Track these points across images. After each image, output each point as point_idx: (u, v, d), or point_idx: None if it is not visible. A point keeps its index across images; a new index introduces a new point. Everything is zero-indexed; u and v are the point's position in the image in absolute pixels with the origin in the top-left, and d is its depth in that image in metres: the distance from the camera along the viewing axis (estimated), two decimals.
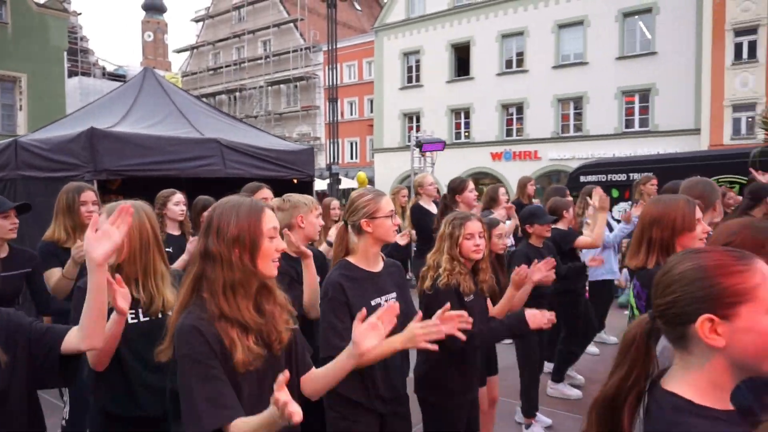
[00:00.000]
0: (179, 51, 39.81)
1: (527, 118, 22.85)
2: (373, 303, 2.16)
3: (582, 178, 10.26)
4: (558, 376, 4.78)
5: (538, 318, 2.49)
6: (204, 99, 31.55)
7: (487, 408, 3.37)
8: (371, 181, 26.40)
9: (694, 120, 19.01)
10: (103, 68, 37.35)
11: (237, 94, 33.96)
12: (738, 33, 18.04)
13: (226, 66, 34.70)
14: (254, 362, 1.49)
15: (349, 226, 2.24)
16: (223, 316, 1.49)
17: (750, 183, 4.54)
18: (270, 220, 1.57)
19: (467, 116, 24.66)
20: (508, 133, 23.61)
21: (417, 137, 9.02)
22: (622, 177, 9.78)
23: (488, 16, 23.63)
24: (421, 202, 5.27)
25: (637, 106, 20.52)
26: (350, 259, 2.23)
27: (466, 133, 24.76)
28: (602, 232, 4.71)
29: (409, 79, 26.47)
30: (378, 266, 2.29)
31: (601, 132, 20.89)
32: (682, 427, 0.98)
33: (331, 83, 17.31)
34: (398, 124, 26.43)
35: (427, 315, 2.55)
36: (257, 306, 1.58)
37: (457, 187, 5.01)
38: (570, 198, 5.36)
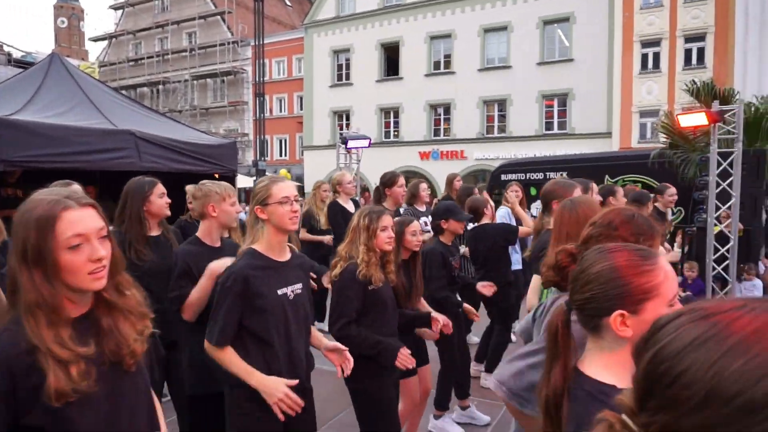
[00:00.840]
0: (96, 39, 37.57)
1: (454, 119, 23.48)
2: (279, 293, 2.16)
3: (503, 177, 10.72)
4: (492, 367, 4.73)
5: (406, 360, 2.61)
6: (124, 91, 30.05)
7: (419, 399, 3.40)
8: (300, 179, 26.16)
9: (606, 124, 20.28)
10: (9, 54, 34.58)
11: (160, 87, 32.50)
12: (644, 45, 19.44)
13: (148, 57, 33.11)
14: (88, 387, 1.24)
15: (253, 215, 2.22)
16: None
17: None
18: (71, 226, 1.24)
19: (396, 116, 24.99)
20: (436, 132, 24.16)
21: (341, 134, 9.04)
22: (540, 176, 10.27)
23: (417, 17, 24.04)
24: (339, 200, 5.31)
25: (556, 109, 21.62)
26: (256, 247, 2.19)
27: (395, 133, 25.09)
28: (527, 219, 5.05)
29: (339, 77, 26.45)
30: (284, 256, 2.26)
31: (523, 133, 21.83)
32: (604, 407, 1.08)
33: (258, 78, 16.95)
34: (328, 121, 26.36)
35: (336, 301, 2.66)
36: (87, 326, 1.32)
37: (387, 181, 5.11)
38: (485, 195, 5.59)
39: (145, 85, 33.07)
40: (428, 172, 23.79)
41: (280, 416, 2.05)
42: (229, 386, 2.18)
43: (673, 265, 7.85)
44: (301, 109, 28.57)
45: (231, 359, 2.10)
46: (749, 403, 0.49)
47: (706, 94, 7.78)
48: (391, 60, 25.23)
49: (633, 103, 19.58)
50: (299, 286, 2.27)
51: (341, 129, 25.12)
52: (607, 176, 9.38)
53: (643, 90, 19.43)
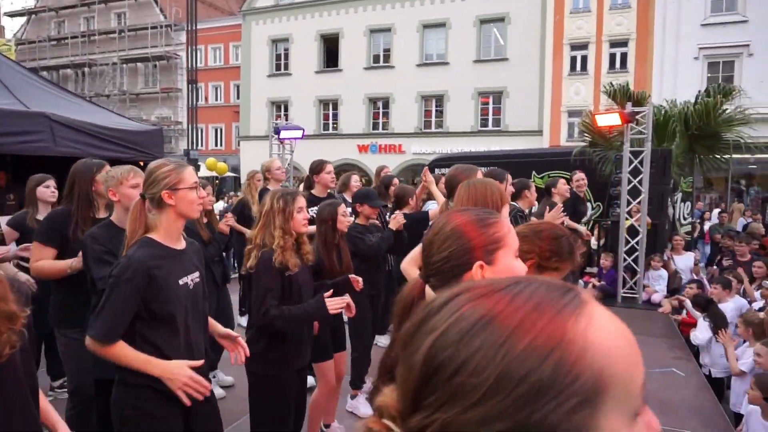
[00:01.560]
0: (13, 15, 34.98)
1: (393, 113, 23.67)
2: (180, 282, 2.09)
3: (436, 171, 10.97)
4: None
5: (336, 302, 2.67)
6: (45, 72, 28.19)
7: (334, 383, 3.47)
8: (236, 170, 25.58)
9: (537, 122, 21.09)
10: None
11: (86, 69, 30.72)
12: (573, 48, 20.34)
13: (72, 37, 31.17)
14: None
15: (147, 201, 2.07)
16: None
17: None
18: None
19: (335, 108, 24.89)
20: (375, 126, 24.27)
21: (275, 124, 8.94)
22: None
23: (357, 9, 23.99)
24: (270, 187, 5.31)
25: (491, 106, 22.25)
26: (152, 236, 2.07)
27: (334, 125, 25.00)
28: (440, 197, 5.20)
29: (278, 67, 26.01)
30: (181, 244, 2.17)
31: (459, 129, 22.33)
32: None
33: (191, 65, 16.40)
34: (265, 112, 25.86)
35: (256, 293, 2.64)
36: None
37: (315, 168, 5.18)
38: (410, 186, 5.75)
39: (69, 66, 31.15)
40: (366, 165, 23.87)
41: (186, 401, 1.98)
42: (122, 384, 2.02)
43: (590, 255, 8.34)
44: (238, 98, 27.88)
45: (123, 352, 1.96)
46: (537, 383, 0.44)
47: (622, 97, 8.30)
48: (330, 51, 25.06)
49: (562, 102, 20.47)
50: (197, 275, 2.19)
51: (278, 120, 24.80)
52: (533, 172, 9.81)
53: (571, 91, 20.35)
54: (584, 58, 20.29)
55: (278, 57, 26.05)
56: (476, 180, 2.61)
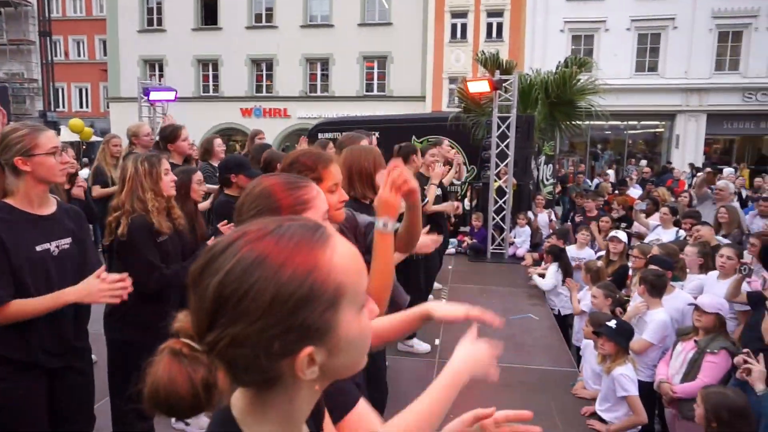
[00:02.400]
0: None
1: (277, 76, 22.96)
2: (38, 248, 2.01)
3: (320, 135, 10.90)
4: None
5: None
6: None
7: None
8: (105, 134, 23.49)
9: (420, 88, 21.63)
10: None
11: None
12: (454, 15, 20.95)
13: None
14: None
15: (5, 167, 1.99)
16: None
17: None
18: None
19: (215, 69, 23.59)
20: (258, 89, 23.42)
21: (142, 84, 8.32)
22: None
23: None
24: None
25: (376, 71, 22.38)
26: (9, 201, 2.00)
27: (215, 87, 23.73)
28: None
29: (150, 22, 23.95)
30: (48, 209, 2.09)
31: (345, 94, 22.25)
32: None
33: (44, 14, 14.59)
34: (137, 71, 23.81)
35: (125, 264, 2.51)
36: None
37: (169, 135, 4.83)
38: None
39: None
40: (250, 129, 23.11)
41: (116, 301, 2.02)
42: None
43: (463, 216, 8.86)
44: (105, 54, 25.38)
45: (22, 308, 1.93)
46: (300, 299, 0.64)
47: (492, 65, 8.77)
48: (208, 8, 23.53)
49: (444, 69, 21.13)
50: (67, 240, 2.12)
51: (152, 80, 23.01)
52: (413, 136, 10.12)
53: (452, 58, 21.04)
54: (464, 26, 21.01)
55: (150, 11, 23.96)
56: (353, 147, 2.75)
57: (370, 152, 2.59)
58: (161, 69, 23.86)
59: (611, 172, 15.51)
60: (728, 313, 3.75)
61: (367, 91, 22.47)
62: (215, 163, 5.11)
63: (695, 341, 3.50)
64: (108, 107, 25.17)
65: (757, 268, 4.39)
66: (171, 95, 8.36)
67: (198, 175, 3.28)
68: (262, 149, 5.49)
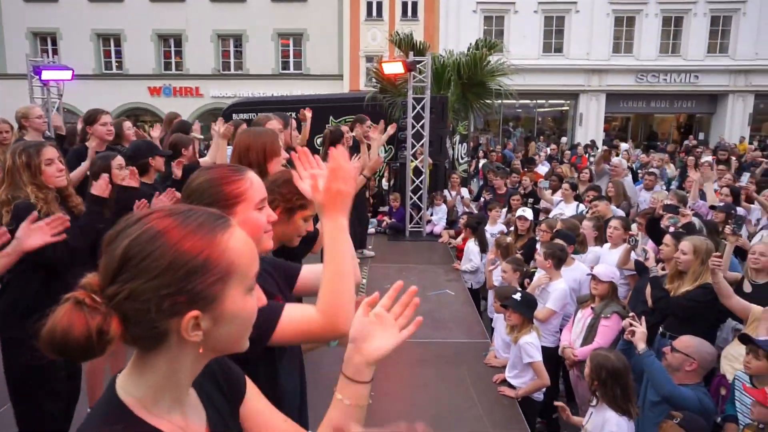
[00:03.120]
0: None
1: (186, 52, 21.82)
2: None
3: (234, 116, 10.55)
4: None
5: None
6: None
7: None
8: None
9: (338, 66, 21.42)
10: None
11: None
12: None
13: None
14: None
15: None
16: None
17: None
18: None
19: (118, 44, 22.01)
20: (167, 66, 22.16)
21: (33, 62, 7.63)
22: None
23: None
24: (28, 138, 4.63)
25: (291, 49, 21.86)
26: None
27: (118, 63, 22.17)
28: (222, 156, 5.10)
29: None
30: None
31: (260, 72, 21.58)
32: None
33: None
34: (26, 45, 21.74)
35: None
36: None
37: (89, 118, 4.64)
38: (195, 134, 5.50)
39: None
40: (161, 109, 21.87)
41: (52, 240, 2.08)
42: None
43: (381, 196, 9.00)
44: None
45: None
46: (194, 267, 0.77)
47: (407, 46, 8.88)
48: None
49: (360, 48, 21.03)
50: None
51: (44, 54, 21.13)
52: (331, 116, 10.07)
53: (368, 36, 20.98)
54: (379, 5, 20.95)
55: None
56: (247, 129, 2.83)
57: (264, 138, 2.55)
58: (54, 43, 21.92)
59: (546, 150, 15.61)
60: (620, 280, 4.13)
61: (283, 69, 21.93)
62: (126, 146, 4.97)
63: (592, 308, 3.84)
64: None
65: (642, 239, 4.86)
66: (67, 74, 7.73)
67: (117, 160, 3.16)
68: (183, 126, 5.34)
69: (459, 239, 7.05)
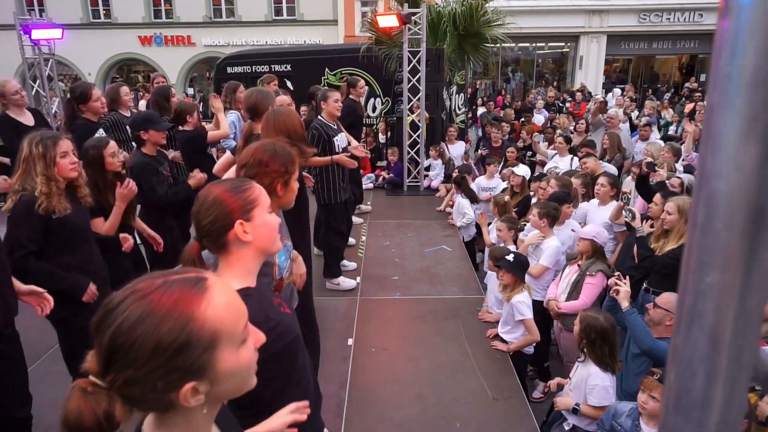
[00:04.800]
0: None
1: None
2: None
3: (229, 69, 10.45)
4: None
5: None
6: None
7: None
8: None
9: (332, 12, 20.82)
10: None
11: None
12: None
13: None
14: None
15: None
16: None
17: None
18: None
19: None
20: (157, 14, 21.54)
21: (22, 20, 7.49)
22: (266, 68, 10.29)
23: None
24: (11, 113, 4.64)
25: None
26: None
27: (106, 12, 21.54)
28: (225, 124, 5.16)
29: None
30: None
31: (253, 18, 21.02)
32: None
33: None
34: None
35: (9, 231, 2.54)
36: None
37: (80, 95, 4.63)
38: (176, 98, 5.47)
39: None
40: (153, 60, 21.48)
41: None
42: None
43: (379, 150, 9.04)
44: None
45: None
46: (178, 346, 0.81)
47: None
48: None
49: None
50: None
51: (31, 5, 20.52)
52: (327, 68, 9.97)
53: None
54: None
55: None
56: (278, 110, 3.03)
57: (295, 118, 2.86)
58: None
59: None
60: (606, 239, 4.29)
61: (276, 15, 21.33)
62: (125, 112, 4.97)
63: (578, 265, 4.02)
64: None
65: (634, 196, 4.99)
66: (57, 33, 7.61)
67: (111, 147, 3.20)
68: (162, 92, 5.29)
69: (448, 196, 7.11)
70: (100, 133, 4.34)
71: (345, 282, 4.93)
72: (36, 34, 7.32)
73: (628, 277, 3.39)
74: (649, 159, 5.07)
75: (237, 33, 20.83)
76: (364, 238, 6.18)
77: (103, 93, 5.02)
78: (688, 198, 3.92)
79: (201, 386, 0.84)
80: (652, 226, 4.14)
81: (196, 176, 4.09)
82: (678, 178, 4.67)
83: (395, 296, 4.79)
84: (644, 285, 3.91)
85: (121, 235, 3.10)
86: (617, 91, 15.06)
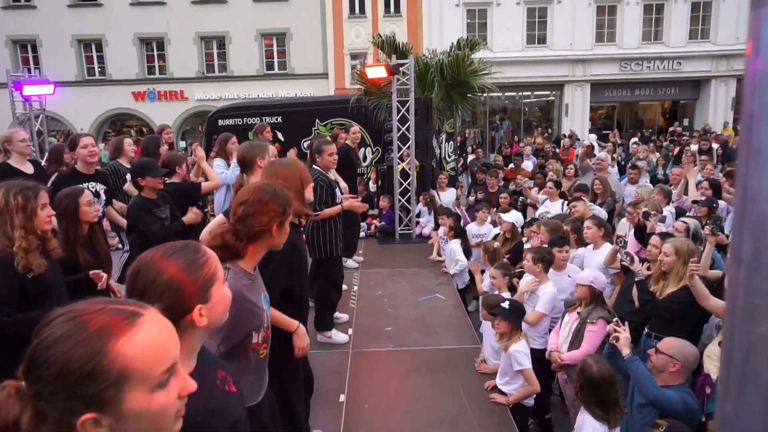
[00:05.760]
0: None
1: (170, 56, 21.62)
2: None
3: (220, 122, 10.51)
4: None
5: None
6: None
7: None
8: None
9: (322, 65, 21.34)
10: None
11: None
12: None
13: None
14: None
15: None
16: None
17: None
18: None
19: (99, 49, 21.75)
20: (150, 70, 21.96)
21: (14, 76, 7.56)
22: (257, 120, 10.39)
23: None
24: (11, 162, 4.61)
25: (275, 49, 21.73)
26: None
27: (101, 69, 21.94)
28: (213, 173, 5.11)
29: None
30: None
31: (245, 73, 21.46)
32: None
33: None
34: (5, 53, 21.45)
35: None
36: None
37: (71, 142, 4.73)
38: (165, 147, 5.53)
39: None
40: (146, 114, 21.74)
41: None
42: None
43: (369, 198, 9.02)
44: None
45: None
46: (82, 374, 0.81)
47: (389, 47, 8.87)
48: None
49: (344, 45, 20.96)
50: None
51: (26, 64, 20.88)
52: (317, 119, 10.06)
53: (352, 33, 20.90)
54: (362, 1, 20.86)
55: None
56: (279, 161, 3.03)
57: (296, 169, 2.80)
58: (35, 50, 21.65)
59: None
60: (605, 283, 4.19)
61: (267, 69, 21.81)
62: (125, 163, 5.14)
63: (578, 312, 3.90)
64: None
65: (629, 237, 4.93)
66: (48, 89, 7.67)
67: (85, 196, 3.12)
68: (152, 140, 5.39)
69: (438, 236, 7.01)
70: (94, 185, 4.40)
71: (337, 336, 4.76)
72: (27, 90, 7.36)
73: (627, 322, 3.28)
74: (644, 209, 5.03)
75: (229, 87, 21.20)
76: (356, 287, 6.04)
77: (98, 143, 5.14)
78: (686, 239, 3.86)
79: (104, 419, 0.83)
80: (648, 268, 4.06)
81: (193, 211, 4.19)
82: (684, 222, 4.60)
83: (388, 347, 4.62)
84: (645, 330, 3.79)
85: (92, 272, 2.93)
86: (593, 137, 15.35)
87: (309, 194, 2.83)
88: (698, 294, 3.44)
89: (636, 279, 3.89)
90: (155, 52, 21.86)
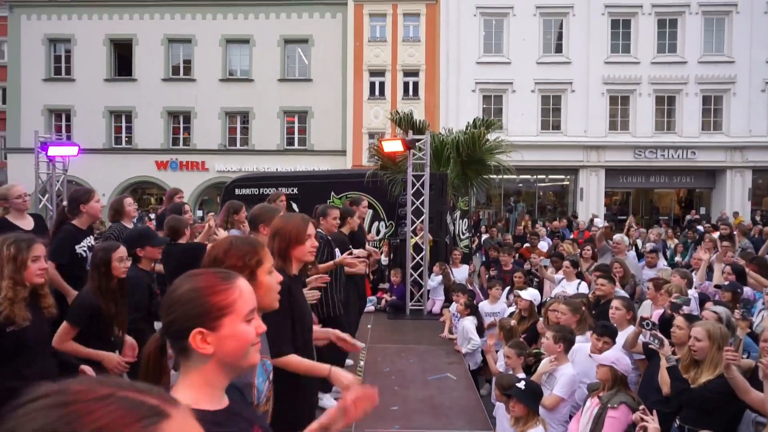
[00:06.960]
0: None
1: (194, 128, 22.49)
2: None
3: (237, 191, 10.67)
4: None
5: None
6: None
7: None
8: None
9: (341, 143, 21.96)
10: None
11: None
12: (372, 73, 21.73)
13: None
14: None
15: None
16: None
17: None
18: None
19: (129, 120, 22.75)
20: (175, 141, 22.78)
21: (41, 138, 7.80)
22: (273, 191, 10.52)
23: (153, 16, 22.38)
24: (10, 217, 4.61)
25: (296, 125, 22.53)
26: None
27: (128, 138, 22.81)
28: (223, 233, 5.04)
29: (57, 71, 22.87)
30: None
31: (265, 147, 22.13)
32: None
33: None
34: (41, 121, 22.48)
35: None
36: None
37: (81, 196, 4.65)
38: (189, 214, 5.50)
39: None
40: (167, 183, 22.23)
41: None
42: None
43: (381, 272, 8.88)
44: (5, 102, 23.83)
45: None
46: None
47: (406, 124, 9.09)
48: (122, 59, 22.89)
49: (363, 125, 21.66)
50: None
51: (59, 131, 21.80)
52: (332, 192, 10.16)
53: (371, 114, 21.66)
54: (382, 84, 21.80)
55: (57, 59, 22.93)
56: (285, 215, 2.91)
57: (294, 223, 2.57)
58: (68, 119, 22.69)
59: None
60: (628, 366, 3.92)
61: (288, 145, 22.49)
62: (127, 224, 4.98)
63: (599, 397, 3.62)
64: (5, 158, 23.43)
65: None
66: (72, 150, 7.88)
67: (120, 252, 3.08)
68: (175, 208, 5.35)
69: (450, 312, 6.78)
70: (89, 240, 4.27)
71: (328, 401, 4.47)
72: (52, 150, 7.58)
73: (655, 411, 3.01)
74: (674, 299, 4.74)
75: (249, 160, 21.78)
76: (362, 362, 5.76)
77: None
78: (717, 323, 3.63)
79: None
80: (674, 352, 3.80)
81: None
82: (714, 312, 4.32)
83: (394, 429, 4.30)
84: (677, 422, 3.47)
85: (82, 367, 2.73)
86: (599, 221, 15.17)
87: (301, 253, 2.52)
88: (737, 387, 3.16)
89: (668, 365, 3.62)
90: (181, 125, 22.77)
